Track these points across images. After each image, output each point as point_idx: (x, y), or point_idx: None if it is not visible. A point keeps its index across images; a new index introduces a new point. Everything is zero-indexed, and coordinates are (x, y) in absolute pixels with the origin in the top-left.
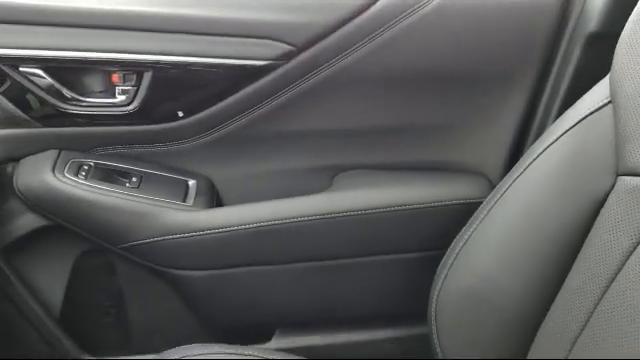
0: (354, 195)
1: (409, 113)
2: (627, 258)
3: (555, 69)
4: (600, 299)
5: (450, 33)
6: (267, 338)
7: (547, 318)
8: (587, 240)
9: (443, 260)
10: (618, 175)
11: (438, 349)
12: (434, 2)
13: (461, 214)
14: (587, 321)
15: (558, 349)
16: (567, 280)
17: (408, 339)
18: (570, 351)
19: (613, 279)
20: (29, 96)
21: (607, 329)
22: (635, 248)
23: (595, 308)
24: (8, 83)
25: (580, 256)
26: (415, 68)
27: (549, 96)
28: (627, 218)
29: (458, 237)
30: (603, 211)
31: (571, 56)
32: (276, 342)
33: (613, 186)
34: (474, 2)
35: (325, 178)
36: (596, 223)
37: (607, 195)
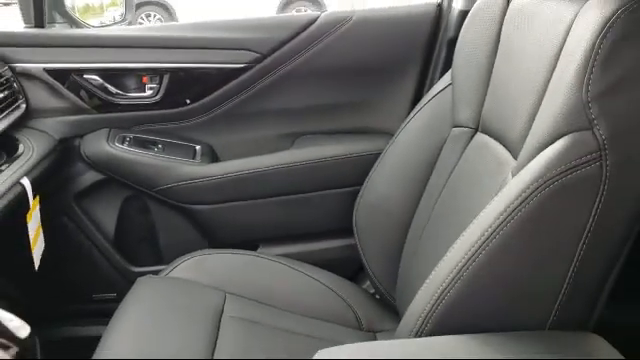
0: (307, 151)
1: (340, 94)
2: (452, 169)
3: (433, 61)
4: (436, 200)
5: (364, 39)
6: (254, 250)
7: (415, 216)
8: (435, 165)
9: (360, 190)
10: (452, 127)
11: (361, 251)
12: (354, 19)
13: (375, 159)
14: (430, 216)
15: (416, 232)
16: (425, 189)
17: (347, 247)
18: (421, 236)
19: (444, 185)
20: (90, 93)
21: (438, 220)
22: (454, 168)
23: (433, 208)
24: (77, 85)
25: (431, 175)
26: (343, 64)
27: (430, 79)
28: (451, 151)
29: (369, 173)
30: (444, 147)
31: (441, 53)
32: (259, 252)
33: (449, 134)
34: (378, 17)
35: (289, 141)
36: (440, 154)
37: (446, 139)
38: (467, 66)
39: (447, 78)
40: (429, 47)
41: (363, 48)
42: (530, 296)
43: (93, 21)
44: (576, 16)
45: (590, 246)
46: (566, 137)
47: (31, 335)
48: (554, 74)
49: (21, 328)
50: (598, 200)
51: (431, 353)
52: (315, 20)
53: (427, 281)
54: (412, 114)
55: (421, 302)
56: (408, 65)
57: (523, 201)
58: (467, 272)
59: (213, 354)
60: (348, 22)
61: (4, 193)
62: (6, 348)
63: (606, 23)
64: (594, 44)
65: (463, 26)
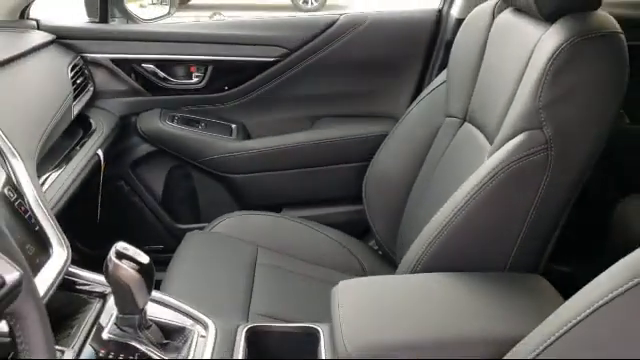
0: (325, 131)
1: (354, 84)
2: (444, 150)
3: (432, 59)
4: (431, 175)
5: (375, 38)
6: (278, 213)
7: (413, 186)
8: (431, 146)
9: (369, 164)
10: (445, 117)
11: (368, 215)
12: (368, 21)
13: (382, 139)
14: (425, 187)
15: (414, 199)
16: (423, 165)
17: (357, 212)
18: (418, 203)
19: (437, 162)
20: (145, 79)
21: (432, 190)
22: (445, 149)
23: (429, 180)
24: (135, 72)
25: (427, 154)
26: (357, 58)
27: (429, 74)
28: (444, 135)
29: (377, 150)
30: (438, 132)
31: (440, 53)
32: (283, 214)
33: (443, 122)
34: (388, 19)
35: (309, 122)
36: (435, 138)
37: (441, 125)
38: (459, 67)
39: (443, 76)
40: (430, 47)
41: (375, 45)
42: (494, 246)
43: (132, 5)
44: (539, 39)
45: (538, 212)
46: (524, 133)
47: None
48: (521, 83)
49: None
50: (545, 179)
51: (420, 282)
52: (335, 21)
53: (420, 235)
54: (414, 104)
55: (414, 250)
56: (412, 61)
57: (491, 178)
58: (449, 228)
59: (252, 291)
60: (363, 23)
61: (88, 161)
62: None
63: (555, 51)
64: (546, 66)
65: (458, 32)
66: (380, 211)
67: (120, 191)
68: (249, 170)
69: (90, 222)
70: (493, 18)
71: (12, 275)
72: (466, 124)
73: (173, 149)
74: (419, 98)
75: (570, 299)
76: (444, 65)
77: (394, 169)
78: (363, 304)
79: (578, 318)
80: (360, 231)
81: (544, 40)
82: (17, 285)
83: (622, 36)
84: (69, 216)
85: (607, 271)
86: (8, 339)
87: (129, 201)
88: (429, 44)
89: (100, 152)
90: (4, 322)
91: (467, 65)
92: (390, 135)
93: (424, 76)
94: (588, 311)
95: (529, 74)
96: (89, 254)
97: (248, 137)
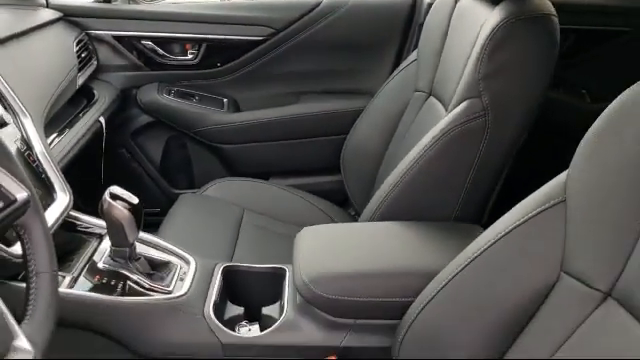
0: (308, 106)
1: (335, 63)
2: (412, 121)
3: (408, 39)
4: (400, 143)
5: (356, 19)
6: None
7: (386, 154)
8: (401, 118)
9: (347, 136)
10: (414, 91)
11: (346, 183)
12: (349, 4)
13: (359, 113)
14: (395, 154)
15: (386, 166)
16: (394, 135)
17: (336, 182)
18: (388, 169)
19: (406, 132)
20: (145, 55)
21: (400, 156)
22: (413, 120)
23: (398, 148)
24: (135, 49)
25: (398, 125)
26: (338, 39)
27: (405, 53)
28: (412, 107)
29: (355, 123)
30: (408, 105)
31: (414, 33)
32: (270, 182)
33: (412, 96)
34: (367, 3)
35: (294, 97)
36: (405, 110)
37: (410, 100)
38: (427, 47)
39: (414, 55)
40: (406, 29)
41: (355, 27)
42: (441, 198)
43: None
44: (485, 20)
45: (479, 168)
46: (466, 101)
47: None
48: (469, 59)
49: None
50: (483, 140)
51: (372, 228)
52: (319, 4)
53: (379, 189)
54: (388, 80)
55: (374, 202)
56: (389, 42)
57: (438, 139)
58: (402, 182)
59: (235, 246)
60: (345, 6)
61: (90, 127)
62: None
63: (493, 30)
64: (484, 42)
65: (427, 16)
66: (356, 179)
67: (121, 158)
68: (239, 141)
69: (93, 185)
70: (455, 3)
71: (22, 194)
72: (431, 97)
73: (170, 120)
74: (392, 75)
75: (487, 229)
76: (417, 45)
77: (369, 140)
78: (320, 245)
79: (485, 246)
80: (340, 199)
81: (487, 21)
82: (26, 202)
83: (554, 18)
84: (74, 179)
85: (520, 203)
86: (20, 260)
87: (130, 167)
88: (405, 26)
89: (102, 119)
90: (18, 245)
91: (433, 45)
92: (366, 109)
93: (400, 55)
94: (495, 238)
95: (474, 51)
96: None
97: (238, 110)
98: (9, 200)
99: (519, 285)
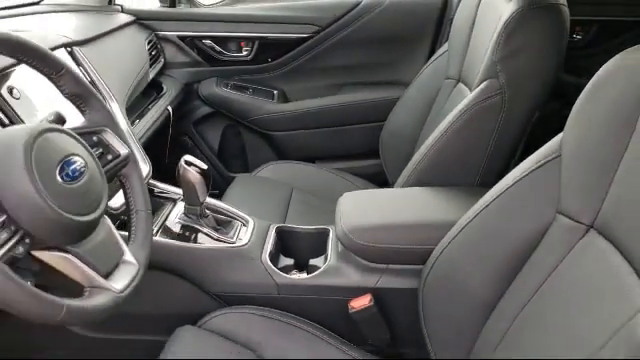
0: (350, 96)
1: (374, 56)
2: (443, 106)
3: (441, 33)
4: (432, 125)
5: (393, 16)
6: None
7: (419, 137)
8: (433, 105)
9: (385, 123)
10: (445, 79)
11: (384, 165)
12: (386, 3)
13: (396, 102)
14: (428, 136)
15: (420, 147)
16: (426, 120)
17: (375, 165)
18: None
19: (437, 115)
20: (205, 53)
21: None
22: (442, 108)
23: (431, 131)
24: (197, 47)
25: (431, 110)
26: (377, 34)
27: (438, 46)
28: (442, 94)
29: (392, 110)
30: (439, 92)
31: (446, 27)
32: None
33: (443, 84)
34: (402, 2)
35: (337, 88)
36: (436, 97)
37: (441, 88)
38: (457, 38)
39: (445, 46)
40: (438, 24)
41: (391, 23)
42: (465, 167)
43: None
44: (503, 11)
45: (498, 140)
46: (485, 82)
47: None
48: (490, 43)
49: None
50: (501, 115)
51: (404, 192)
52: (359, 3)
53: (410, 161)
54: (421, 70)
55: (406, 171)
56: (423, 36)
57: (462, 114)
58: (430, 153)
59: (286, 216)
60: (382, 5)
61: (160, 114)
62: None
63: (509, 18)
64: (501, 29)
65: (457, 11)
66: (393, 162)
67: (184, 145)
68: (287, 128)
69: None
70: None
71: (124, 151)
72: (459, 84)
73: (227, 110)
74: (425, 66)
75: (496, 184)
76: (448, 38)
77: (404, 126)
78: (358, 204)
79: (493, 197)
80: (380, 181)
81: (505, 10)
82: (127, 157)
83: (563, 7)
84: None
85: (524, 161)
86: (117, 211)
87: (191, 153)
88: (437, 21)
89: (170, 108)
90: (115, 199)
91: (462, 36)
92: (401, 98)
93: (433, 48)
94: (501, 191)
95: (493, 38)
96: None
97: (287, 101)
98: (116, 154)
99: (521, 228)
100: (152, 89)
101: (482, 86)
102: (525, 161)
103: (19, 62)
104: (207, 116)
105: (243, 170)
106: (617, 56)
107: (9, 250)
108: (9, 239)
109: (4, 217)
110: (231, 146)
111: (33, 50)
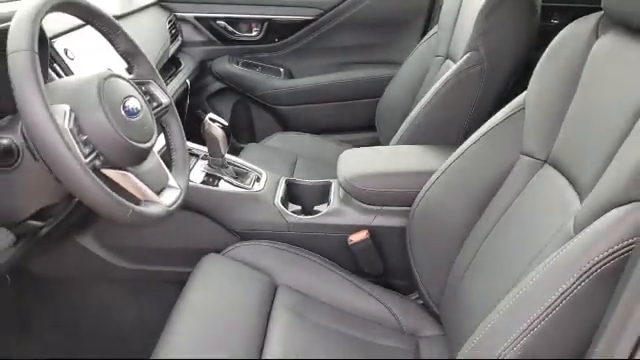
0: (348, 74)
1: (372, 37)
2: (431, 83)
3: (432, 17)
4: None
5: (390, 2)
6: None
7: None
8: (422, 82)
9: (381, 98)
10: (435, 57)
11: (380, 137)
12: None
13: (391, 79)
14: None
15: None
16: (415, 98)
17: (371, 138)
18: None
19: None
20: (218, 33)
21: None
22: (431, 83)
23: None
24: (211, 27)
25: (421, 85)
26: (375, 17)
27: (427, 28)
28: (432, 73)
29: (387, 86)
30: (429, 70)
31: (437, 12)
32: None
33: (432, 62)
34: None
35: (338, 67)
36: (426, 76)
37: (430, 65)
38: (445, 21)
39: (435, 28)
40: (430, 9)
41: (387, 8)
42: (450, 127)
43: None
44: None
45: (478, 104)
46: (468, 54)
47: None
48: (473, 22)
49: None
50: (481, 82)
51: (397, 148)
52: None
53: (404, 121)
54: (413, 50)
55: (399, 131)
56: (416, 20)
57: (447, 82)
58: (420, 114)
59: (292, 175)
60: None
61: (180, 85)
62: None
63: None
64: (482, 9)
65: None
66: (388, 132)
67: (199, 118)
68: (292, 102)
69: None
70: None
71: (166, 99)
72: (447, 60)
73: (237, 86)
74: (417, 46)
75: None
76: (438, 21)
77: (397, 100)
78: (357, 158)
79: (469, 144)
80: None
81: None
82: (168, 105)
83: None
84: None
85: (494, 115)
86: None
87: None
88: (429, 7)
89: (188, 81)
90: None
91: (450, 19)
92: (395, 75)
93: (425, 31)
94: (475, 139)
95: (475, 16)
96: None
97: (292, 77)
98: (159, 103)
99: (492, 167)
100: (171, 64)
101: (465, 57)
102: (496, 114)
103: (86, 23)
104: (219, 91)
105: (251, 139)
106: (570, 24)
107: (91, 161)
108: (90, 153)
109: (86, 136)
110: (241, 119)
111: (98, 13)
